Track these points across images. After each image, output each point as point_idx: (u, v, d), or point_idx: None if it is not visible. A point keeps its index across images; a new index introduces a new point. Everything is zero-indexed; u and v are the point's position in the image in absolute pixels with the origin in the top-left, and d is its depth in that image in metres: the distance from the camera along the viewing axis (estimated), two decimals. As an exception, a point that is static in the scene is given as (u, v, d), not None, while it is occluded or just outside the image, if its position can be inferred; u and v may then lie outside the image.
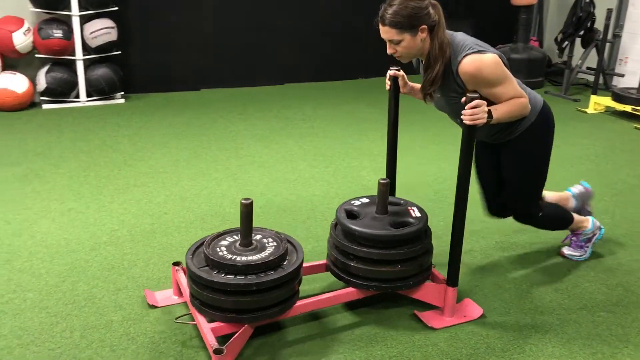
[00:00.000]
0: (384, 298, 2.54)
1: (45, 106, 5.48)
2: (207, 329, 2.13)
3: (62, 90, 5.46)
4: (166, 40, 6.07)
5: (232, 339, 2.10)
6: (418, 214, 2.42)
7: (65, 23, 5.37)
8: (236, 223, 3.21)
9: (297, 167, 4.17)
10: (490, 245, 3.08)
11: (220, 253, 2.17)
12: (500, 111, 2.24)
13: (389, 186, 2.39)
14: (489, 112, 2.19)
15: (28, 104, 5.42)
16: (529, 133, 2.44)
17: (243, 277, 2.08)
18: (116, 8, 5.55)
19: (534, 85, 6.57)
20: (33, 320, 2.40)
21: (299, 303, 2.27)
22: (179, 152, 4.45)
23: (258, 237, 2.30)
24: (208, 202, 3.56)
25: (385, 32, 2.23)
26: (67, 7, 5.30)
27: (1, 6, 5.33)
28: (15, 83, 5.27)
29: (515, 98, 2.28)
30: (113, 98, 5.72)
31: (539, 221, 2.72)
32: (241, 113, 5.53)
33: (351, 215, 2.43)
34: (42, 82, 5.39)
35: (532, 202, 2.63)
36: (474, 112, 2.13)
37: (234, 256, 2.15)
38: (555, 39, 6.60)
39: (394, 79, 2.54)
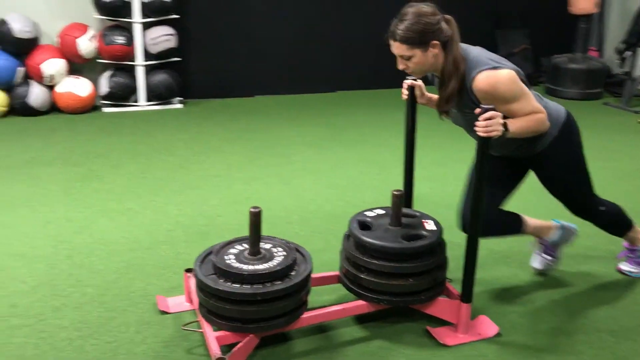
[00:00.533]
0: (396, 312, 2.48)
1: (105, 109, 5.69)
2: (212, 337, 2.12)
3: (122, 95, 5.66)
4: (223, 48, 6.21)
5: (235, 348, 2.09)
6: (432, 227, 2.38)
7: (127, 30, 5.56)
8: (284, 228, 3.28)
9: (347, 174, 4.19)
10: (511, 260, 3.00)
11: (228, 261, 2.16)
12: (517, 125, 2.19)
13: (403, 198, 2.36)
14: (505, 125, 2.14)
15: (90, 107, 5.64)
16: (556, 146, 2.40)
17: (249, 287, 2.07)
18: (177, 16, 5.72)
19: (592, 97, 6.41)
20: (91, 313, 2.50)
21: (306, 314, 2.25)
22: (232, 157, 4.54)
23: (268, 246, 2.28)
24: (259, 206, 3.61)
25: (396, 48, 2.21)
26: (130, 14, 5.50)
27: (67, 13, 5.57)
28: (79, 87, 5.49)
29: (533, 114, 2.24)
30: (171, 103, 5.89)
31: (601, 216, 2.66)
32: (293, 119, 5.60)
33: (364, 226, 2.39)
34: (104, 86, 5.60)
35: (587, 200, 2.61)
36: (488, 124, 2.08)
37: (241, 265, 2.14)
38: (616, 49, 6.41)
39: (411, 89, 2.51)
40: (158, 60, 5.70)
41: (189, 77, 6.07)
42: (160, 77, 5.70)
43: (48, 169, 4.17)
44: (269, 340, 2.29)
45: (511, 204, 2.64)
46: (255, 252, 2.19)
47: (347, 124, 5.43)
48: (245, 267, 2.12)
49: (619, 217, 2.71)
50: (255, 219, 2.16)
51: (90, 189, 3.86)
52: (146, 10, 5.55)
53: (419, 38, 2.15)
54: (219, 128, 5.30)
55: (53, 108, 5.56)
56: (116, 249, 3.06)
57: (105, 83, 5.60)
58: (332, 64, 6.62)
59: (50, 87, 5.47)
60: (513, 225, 2.62)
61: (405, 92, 2.53)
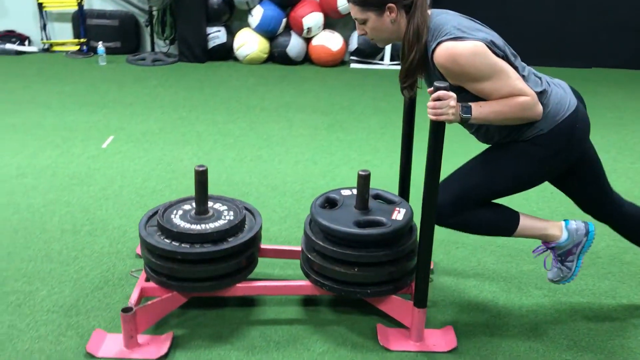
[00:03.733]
0: (355, 303, 2.25)
1: (353, 65, 5.94)
2: (138, 286, 2.12)
3: (370, 52, 5.85)
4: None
5: (150, 301, 2.05)
6: (400, 217, 2.10)
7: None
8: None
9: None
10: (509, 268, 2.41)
11: (173, 219, 2.12)
12: (486, 109, 1.82)
13: (369, 179, 2.09)
14: (468, 108, 1.80)
15: (339, 61, 5.93)
16: (540, 144, 1.93)
17: (177, 244, 2.02)
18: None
19: None
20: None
21: (241, 285, 2.13)
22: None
23: (223, 208, 2.21)
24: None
25: (351, 9, 1.95)
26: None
27: (332, -30, 5.85)
28: (332, 41, 5.80)
29: (513, 97, 1.82)
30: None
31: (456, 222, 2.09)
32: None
33: (330, 202, 2.21)
34: (354, 43, 5.84)
35: (457, 201, 2.02)
36: (435, 106, 1.74)
37: (181, 222, 2.10)
38: None
39: None
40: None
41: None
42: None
43: (299, 115, 4.51)
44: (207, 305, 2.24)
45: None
46: (202, 212, 2.14)
47: (602, 104, 4.96)
48: (181, 224, 2.09)
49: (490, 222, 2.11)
50: (201, 177, 2.08)
51: (334, 137, 4.09)
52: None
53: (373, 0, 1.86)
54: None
55: (306, 59, 5.96)
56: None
57: (355, 40, 5.83)
58: (590, 37, 6.06)
59: (307, 40, 5.86)
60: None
61: None
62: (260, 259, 2.31)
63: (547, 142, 1.93)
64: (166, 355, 2.01)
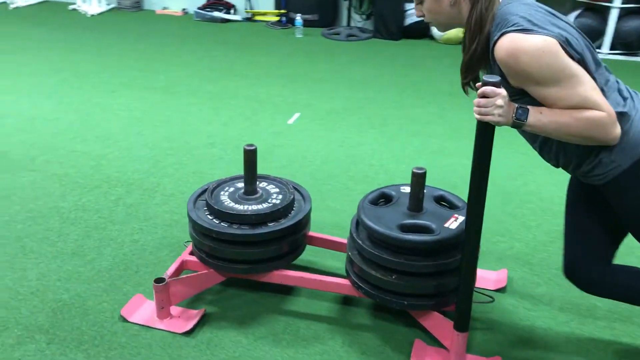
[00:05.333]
0: (398, 313, 2.04)
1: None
2: (179, 260, 2.14)
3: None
4: None
5: (186, 276, 2.08)
6: (454, 226, 1.86)
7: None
8: None
9: None
10: None
11: (221, 196, 2.11)
12: (546, 118, 1.49)
13: (424, 178, 1.90)
14: (525, 112, 1.48)
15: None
16: (627, 184, 1.57)
17: (216, 222, 2.00)
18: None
19: None
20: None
21: (279, 272, 2.05)
22: None
23: (274, 190, 2.15)
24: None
25: None
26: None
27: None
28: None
29: (583, 109, 1.45)
30: (637, 55, 5.14)
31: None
32: None
33: (384, 198, 2.04)
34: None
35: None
36: (480, 104, 1.49)
37: (227, 200, 2.08)
38: None
39: None
40: (637, 4, 4.97)
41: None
42: (635, 23, 4.98)
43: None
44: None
45: None
46: (249, 192, 2.09)
47: None
48: (225, 202, 2.07)
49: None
50: (249, 156, 2.02)
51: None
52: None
53: None
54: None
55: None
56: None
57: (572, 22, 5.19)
58: None
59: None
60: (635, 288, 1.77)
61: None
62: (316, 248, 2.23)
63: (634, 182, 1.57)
64: (191, 331, 2.00)
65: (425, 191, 1.98)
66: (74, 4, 6.72)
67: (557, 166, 1.71)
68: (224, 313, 2.11)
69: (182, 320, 2.05)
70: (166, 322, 2.04)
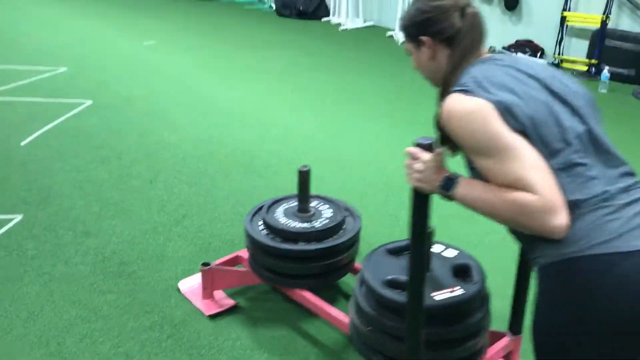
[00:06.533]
0: None
1: None
2: (235, 252, 2.37)
3: None
4: None
5: (230, 268, 2.29)
6: (441, 298, 1.62)
7: None
8: None
9: None
10: None
11: (277, 209, 2.22)
12: (475, 193, 1.25)
13: (432, 236, 1.78)
14: (452, 182, 1.27)
15: None
16: (548, 279, 1.23)
17: (260, 230, 2.13)
18: None
19: None
20: None
21: (299, 291, 2.09)
22: None
23: (327, 213, 2.20)
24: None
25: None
26: None
27: None
28: None
29: (514, 190, 1.14)
30: None
31: None
32: None
33: (395, 251, 1.88)
34: None
35: None
36: (406, 164, 1.36)
37: (279, 215, 2.18)
38: None
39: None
40: None
41: None
42: None
43: None
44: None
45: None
46: (302, 210, 2.18)
47: None
48: (276, 215, 2.18)
49: None
50: (303, 177, 2.11)
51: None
52: None
53: (409, 29, 1.47)
54: None
55: None
56: None
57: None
58: None
59: None
60: None
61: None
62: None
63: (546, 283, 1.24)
64: (213, 316, 2.17)
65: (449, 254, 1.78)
66: (392, 30, 7.24)
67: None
68: (253, 313, 2.25)
69: (214, 305, 2.24)
70: (203, 301, 2.25)
